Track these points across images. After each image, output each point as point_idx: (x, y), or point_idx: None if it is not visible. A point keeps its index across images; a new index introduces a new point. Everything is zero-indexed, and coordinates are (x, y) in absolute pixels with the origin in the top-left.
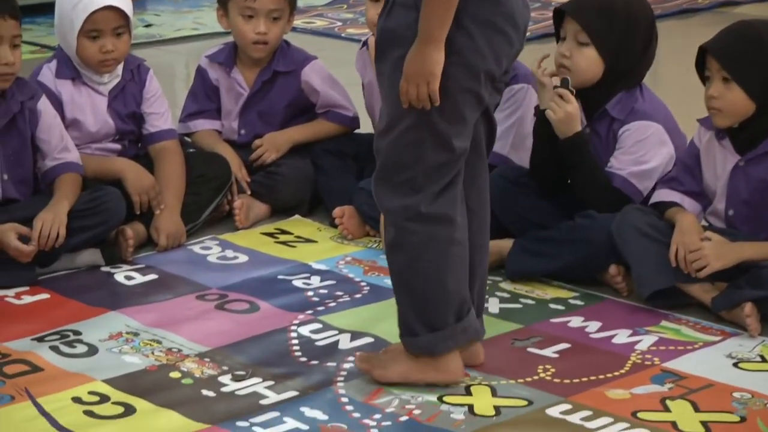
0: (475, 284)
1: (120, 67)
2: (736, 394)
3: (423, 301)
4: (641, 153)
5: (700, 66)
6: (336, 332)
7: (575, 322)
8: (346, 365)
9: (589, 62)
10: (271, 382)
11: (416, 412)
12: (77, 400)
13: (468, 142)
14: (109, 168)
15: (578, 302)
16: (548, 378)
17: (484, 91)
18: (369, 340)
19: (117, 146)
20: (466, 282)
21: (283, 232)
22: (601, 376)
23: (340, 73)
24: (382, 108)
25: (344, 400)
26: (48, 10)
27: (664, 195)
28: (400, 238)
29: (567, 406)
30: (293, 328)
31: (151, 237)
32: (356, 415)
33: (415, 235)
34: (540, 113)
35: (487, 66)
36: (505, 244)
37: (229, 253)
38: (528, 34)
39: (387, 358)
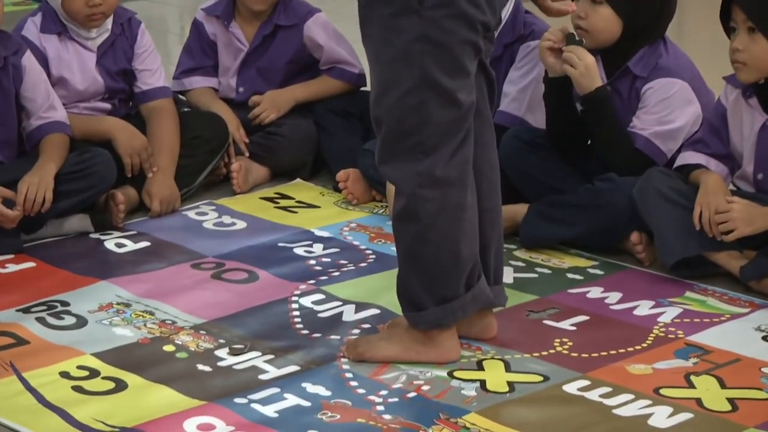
0: (490, 250)
1: (109, 21)
2: (765, 369)
3: (434, 272)
4: (665, 112)
5: (725, 16)
6: (340, 303)
7: (594, 292)
8: (351, 338)
9: (605, 22)
10: (270, 356)
11: (425, 388)
12: (65, 374)
13: (473, 95)
14: (98, 128)
15: (597, 271)
16: (565, 352)
17: (481, 42)
18: (374, 311)
19: (107, 105)
20: (477, 246)
21: (284, 196)
22: (622, 351)
23: (344, 27)
24: (371, 73)
25: (348, 375)
26: None
27: (688, 157)
28: (414, 208)
29: (585, 382)
30: (294, 298)
31: (143, 202)
32: (361, 391)
33: (430, 202)
34: (549, 80)
35: (483, 17)
36: (519, 210)
37: (227, 219)
38: None
39: (378, 338)
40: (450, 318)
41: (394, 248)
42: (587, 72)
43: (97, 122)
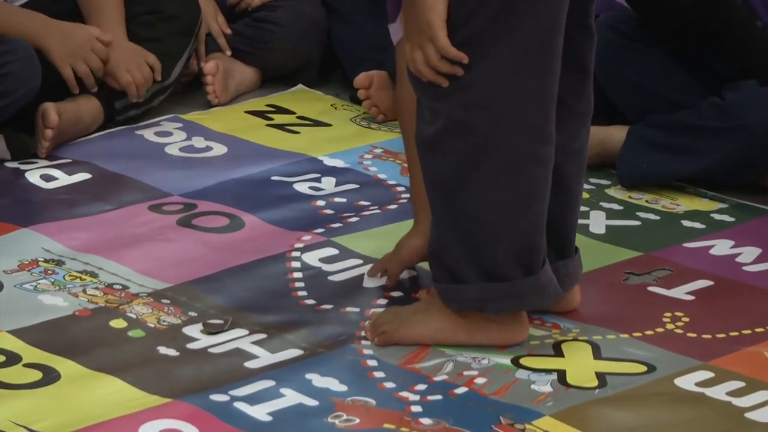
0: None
1: None
2: None
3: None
4: None
5: None
6: (359, 261)
7: (721, 247)
8: (376, 312)
9: None
10: (261, 336)
11: (479, 381)
12: None
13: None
14: (19, 30)
15: (726, 218)
16: (679, 332)
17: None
18: (408, 273)
19: None
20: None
21: (280, 110)
22: (760, 330)
23: None
24: None
25: (371, 363)
26: None
27: None
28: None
29: (707, 374)
30: (295, 254)
31: (107, 116)
32: (389, 385)
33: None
34: None
35: None
36: (614, 134)
37: (198, 141)
38: None
39: (414, 311)
40: (511, 302)
41: None
42: None
43: (16, 18)
